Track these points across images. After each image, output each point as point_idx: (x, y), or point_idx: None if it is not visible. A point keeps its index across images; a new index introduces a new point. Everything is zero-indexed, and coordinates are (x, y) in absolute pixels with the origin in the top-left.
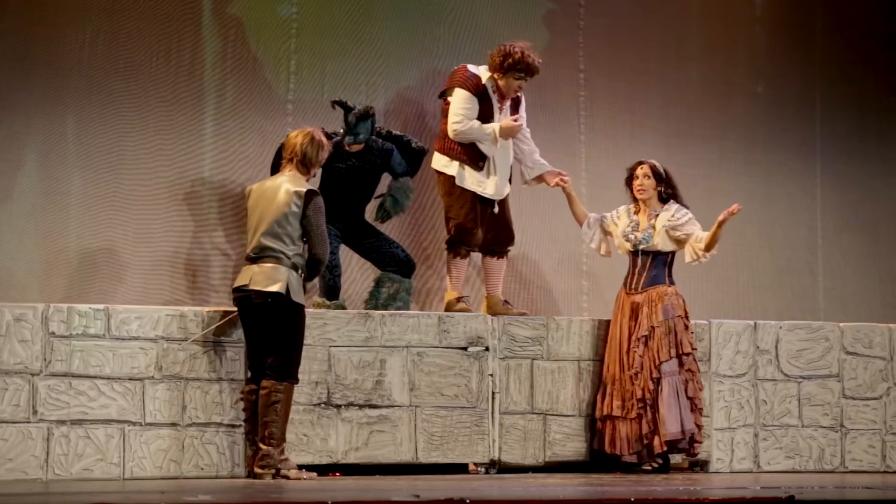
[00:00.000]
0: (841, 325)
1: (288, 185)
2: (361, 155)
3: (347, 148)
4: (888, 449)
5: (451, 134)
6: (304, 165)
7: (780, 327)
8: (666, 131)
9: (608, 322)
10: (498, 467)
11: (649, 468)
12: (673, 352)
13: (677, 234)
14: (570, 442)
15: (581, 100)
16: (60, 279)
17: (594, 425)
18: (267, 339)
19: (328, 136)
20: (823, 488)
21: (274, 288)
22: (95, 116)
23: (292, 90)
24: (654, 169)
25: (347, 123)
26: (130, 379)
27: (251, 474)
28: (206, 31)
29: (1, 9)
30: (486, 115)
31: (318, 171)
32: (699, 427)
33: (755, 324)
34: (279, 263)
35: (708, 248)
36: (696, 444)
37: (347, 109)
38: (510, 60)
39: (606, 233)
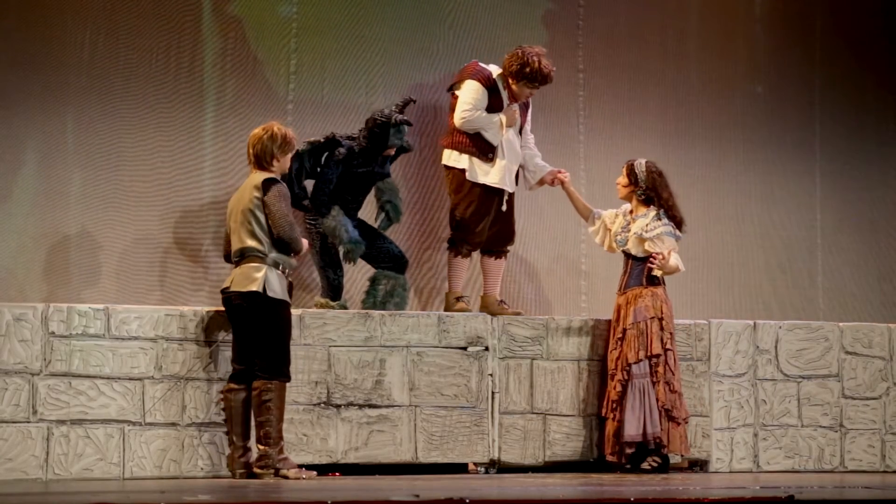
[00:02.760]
0: (840, 324)
1: (251, 182)
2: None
3: (405, 143)
4: (888, 449)
5: (458, 122)
6: (261, 165)
7: (780, 327)
8: (665, 131)
9: (608, 322)
10: (497, 467)
11: (648, 467)
12: (642, 353)
13: (645, 245)
14: (569, 442)
15: (580, 99)
16: (60, 279)
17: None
18: (252, 338)
19: (338, 142)
20: (823, 488)
21: (251, 287)
22: (95, 115)
23: (292, 90)
24: (629, 169)
25: (399, 131)
26: (130, 379)
27: (234, 475)
28: (206, 30)
29: (1, 8)
30: (496, 109)
31: (337, 171)
32: (676, 426)
33: (755, 323)
34: (260, 262)
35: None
36: (663, 448)
37: (400, 124)
38: (528, 70)
39: (607, 229)
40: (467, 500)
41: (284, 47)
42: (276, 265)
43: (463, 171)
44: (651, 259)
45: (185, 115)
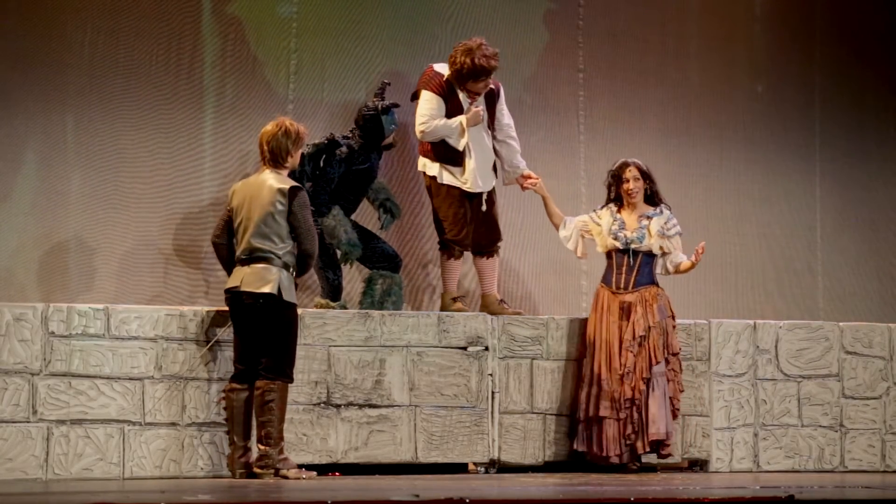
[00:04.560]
0: (840, 324)
1: (271, 182)
2: (378, 151)
3: (390, 141)
4: (888, 448)
5: (418, 135)
6: (276, 162)
7: (780, 327)
8: (665, 131)
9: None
10: (497, 467)
11: (634, 467)
12: (665, 353)
13: (662, 242)
14: (569, 442)
15: (580, 99)
16: (60, 279)
17: (575, 426)
18: (259, 339)
19: (337, 142)
20: (823, 488)
21: (265, 289)
22: (95, 115)
23: (292, 90)
24: (641, 169)
25: (390, 115)
26: (130, 379)
27: (234, 475)
28: (206, 30)
29: (2, 7)
30: (455, 112)
31: (339, 171)
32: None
33: (755, 323)
34: (270, 264)
35: (678, 273)
36: (667, 446)
37: (387, 109)
38: (464, 71)
39: (583, 234)
40: (467, 500)
41: (284, 47)
42: (286, 267)
43: (435, 177)
44: (697, 256)
45: (185, 116)
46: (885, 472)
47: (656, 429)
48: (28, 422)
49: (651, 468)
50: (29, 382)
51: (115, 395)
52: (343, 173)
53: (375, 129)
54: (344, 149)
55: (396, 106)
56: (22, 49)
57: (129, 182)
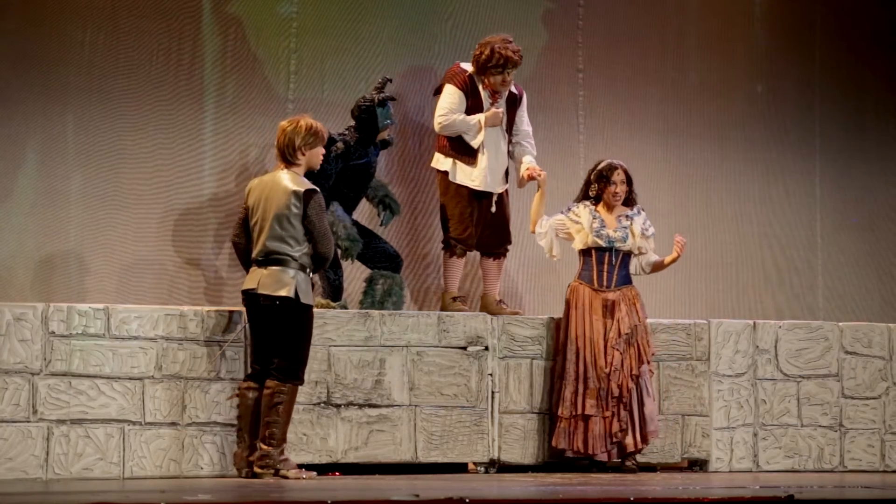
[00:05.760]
0: (840, 324)
1: (286, 183)
2: (376, 146)
3: (387, 135)
4: (887, 448)
5: (436, 128)
6: (285, 159)
7: (780, 327)
8: (665, 130)
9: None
10: (497, 467)
11: (633, 466)
12: (650, 351)
13: (641, 242)
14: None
15: (580, 99)
16: (60, 278)
17: (553, 424)
18: (274, 340)
19: (333, 139)
20: (823, 488)
21: (282, 292)
22: (95, 115)
23: (292, 89)
24: (627, 173)
25: (386, 108)
26: (130, 378)
27: (241, 473)
28: (206, 29)
29: (2, 7)
30: (476, 110)
31: (336, 167)
32: None
33: (754, 323)
34: (287, 266)
35: (653, 271)
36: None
37: (384, 102)
38: (483, 59)
39: (558, 233)
40: (467, 500)
41: (284, 47)
42: (302, 268)
43: (446, 173)
44: (681, 247)
45: (186, 115)
46: (884, 472)
47: (654, 426)
48: (28, 421)
49: (651, 468)
50: (29, 382)
51: (116, 395)
52: (341, 170)
53: (370, 122)
54: (340, 145)
55: (393, 99)
56: (22, 49)
57: (130, 181)
